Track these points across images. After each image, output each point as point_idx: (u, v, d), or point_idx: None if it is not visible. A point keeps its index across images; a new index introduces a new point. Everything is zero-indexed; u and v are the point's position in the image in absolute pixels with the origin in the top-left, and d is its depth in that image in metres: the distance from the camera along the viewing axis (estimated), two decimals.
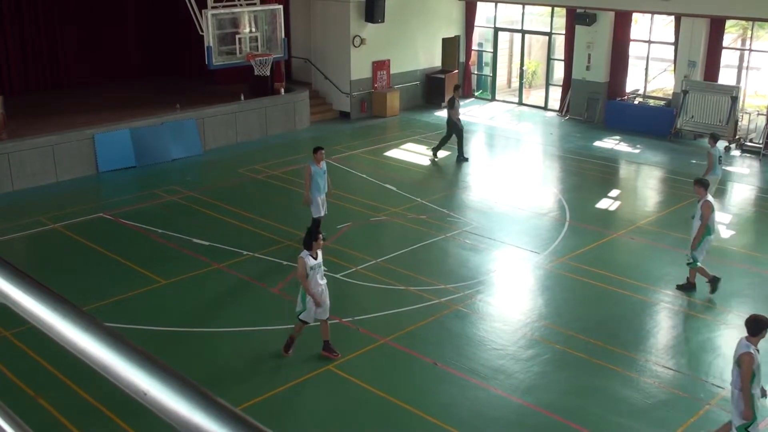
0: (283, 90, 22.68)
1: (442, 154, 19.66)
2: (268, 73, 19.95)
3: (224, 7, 18.50)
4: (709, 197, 11.90)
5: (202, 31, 18.07)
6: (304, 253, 9.74)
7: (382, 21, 23.32)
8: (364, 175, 18.29)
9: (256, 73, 19.32)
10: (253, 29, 19.20)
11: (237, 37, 18.80)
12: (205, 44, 18.10)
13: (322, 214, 13.53)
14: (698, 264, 11.98)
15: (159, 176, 18.26)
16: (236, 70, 21.11)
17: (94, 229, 14.95)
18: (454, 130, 19.28)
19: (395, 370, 10.13)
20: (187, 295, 12.26)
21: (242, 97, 21.57)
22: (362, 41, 23.50)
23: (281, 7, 19.89)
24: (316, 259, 9.77)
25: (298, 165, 19.11)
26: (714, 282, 12.05)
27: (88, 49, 24.09)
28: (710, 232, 11.87)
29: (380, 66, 24.25)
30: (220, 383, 9.60)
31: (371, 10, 23.10)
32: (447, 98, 20.05)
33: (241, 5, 18.98)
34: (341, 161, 19.40)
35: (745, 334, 7.99)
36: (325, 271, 10.15)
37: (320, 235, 9.96)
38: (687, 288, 12.20)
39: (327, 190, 13.56)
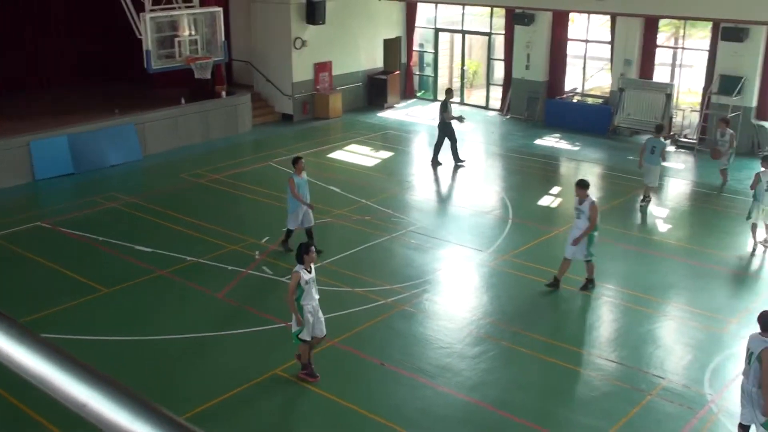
0: (224, 93, 22.47)
1: (441, 158, 19.42)
2: (209, 77, 19.76)
3: (162, 10, 18.25)
4: (594, 197, 12.01)
5: (140, 34, 17.79)
6: (298, 267, 9.29)
7: (323, 22, 23.29)
8: (308, 178, 18.19)
9: (196, 76, 19.10)
10: (193, 32, 18.97)
11: (176, 40, 18.54)
12: (144, 48, 17.83)
13: (301, 225, 13.30)
14: (592, 259, 12.13)
15: (98, 183, 17.93)
16: (176, 74, 20.82)
17: (32, 239, 14.59)
18: (447, 134, 19.13)
19: (342, 372, 10.13)
20: (130, 303, 12.06)
21: (183, 101, 21.31)
22: (303, 43, 23.42)
23: (221, 9, 19.71)
24: (310, 273, 9.40)
25: (242, 169, 18.99)
26: (591, 283, 12.29)
27: (22, 53, 23.50)
28: (596, 229, 11.96)
29: (322, 68, 24.20)
30: (165, 392, 9.48)
31: (312, 12, 23.05)
32: (440, 102, 19.72)
33: (179, 8, 18.75)
34: (285, 164, 19.31)
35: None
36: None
37: (312, 248, 9.44)
38: (588, 286, 12.34)
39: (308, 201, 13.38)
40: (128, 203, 16.48)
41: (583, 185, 12.00)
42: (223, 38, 19.60)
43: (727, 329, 11.23)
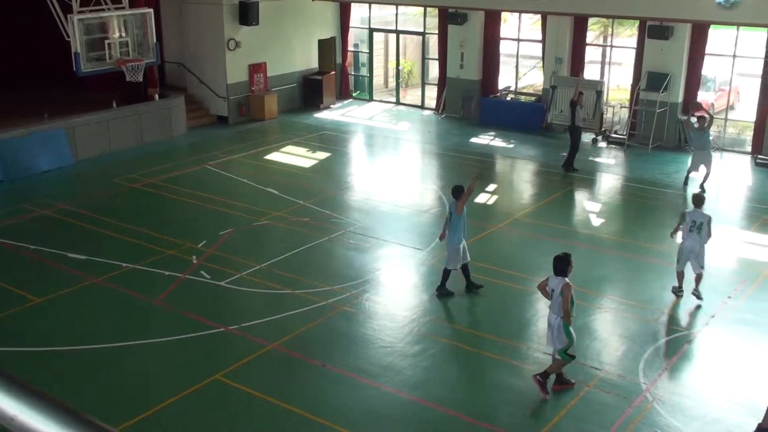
0: (157, 96, 22.11)
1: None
2: (141, 79, 19.40)
3: (91, 11, 17.86)
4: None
5: (68, 36, 17.38)
6: (560, 279, 9.13)
7: (257, 23, 23.11)
8: (245, 180, 18.08)
9: (128, 79, 18.75)
10: (123, 34, 18.62)
11: (106, 42, 18.19)
12: (72, 50, 17.42)
13: (459, 266, 11.92)
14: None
15: (28, 190, 17.44)
16: (107, 77, 20.40)
17: None
18: (573, 138, 18.60)
19: (284, 375, 10.07)
20: (64, 312, 11.77)
21: (114, 105, 20.89)
22: (237, 44, 23.20)
23: (151, 10, 19.39)
24: None
25: (177, 172, 18.71)
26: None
27: None
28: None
29: (257, 69, 24.01)
30: (103, 402, 9.30)
31: (245, 13, 22.85)
32: (571, 104, 18.70)
33: (108, 9, 18.38)
34: (221, 166, 19.12)
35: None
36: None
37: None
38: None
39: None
40: (60, 210, 16.08)
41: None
42: (154, 40, 19.29)
43: (660, 320, 11.54)
